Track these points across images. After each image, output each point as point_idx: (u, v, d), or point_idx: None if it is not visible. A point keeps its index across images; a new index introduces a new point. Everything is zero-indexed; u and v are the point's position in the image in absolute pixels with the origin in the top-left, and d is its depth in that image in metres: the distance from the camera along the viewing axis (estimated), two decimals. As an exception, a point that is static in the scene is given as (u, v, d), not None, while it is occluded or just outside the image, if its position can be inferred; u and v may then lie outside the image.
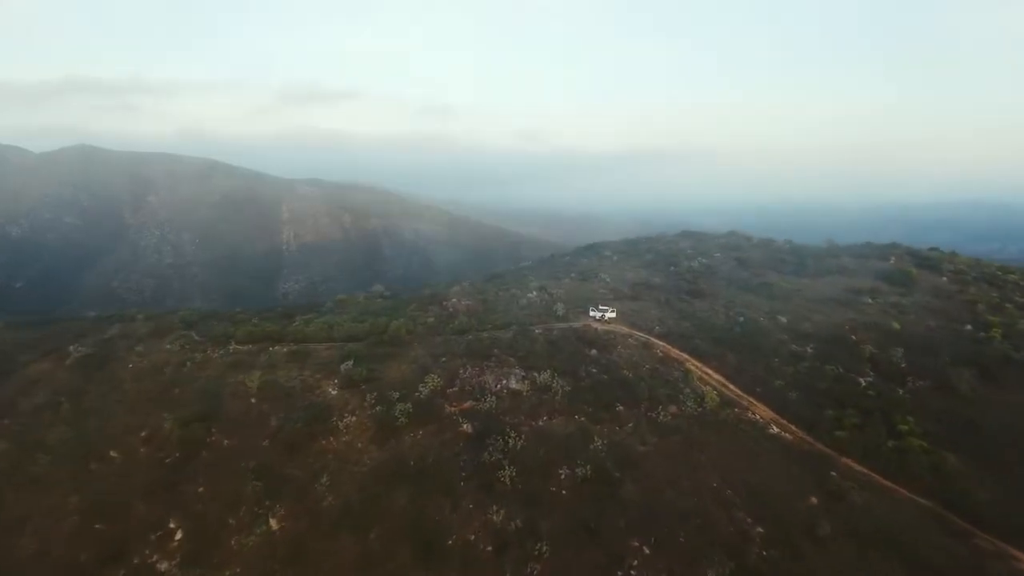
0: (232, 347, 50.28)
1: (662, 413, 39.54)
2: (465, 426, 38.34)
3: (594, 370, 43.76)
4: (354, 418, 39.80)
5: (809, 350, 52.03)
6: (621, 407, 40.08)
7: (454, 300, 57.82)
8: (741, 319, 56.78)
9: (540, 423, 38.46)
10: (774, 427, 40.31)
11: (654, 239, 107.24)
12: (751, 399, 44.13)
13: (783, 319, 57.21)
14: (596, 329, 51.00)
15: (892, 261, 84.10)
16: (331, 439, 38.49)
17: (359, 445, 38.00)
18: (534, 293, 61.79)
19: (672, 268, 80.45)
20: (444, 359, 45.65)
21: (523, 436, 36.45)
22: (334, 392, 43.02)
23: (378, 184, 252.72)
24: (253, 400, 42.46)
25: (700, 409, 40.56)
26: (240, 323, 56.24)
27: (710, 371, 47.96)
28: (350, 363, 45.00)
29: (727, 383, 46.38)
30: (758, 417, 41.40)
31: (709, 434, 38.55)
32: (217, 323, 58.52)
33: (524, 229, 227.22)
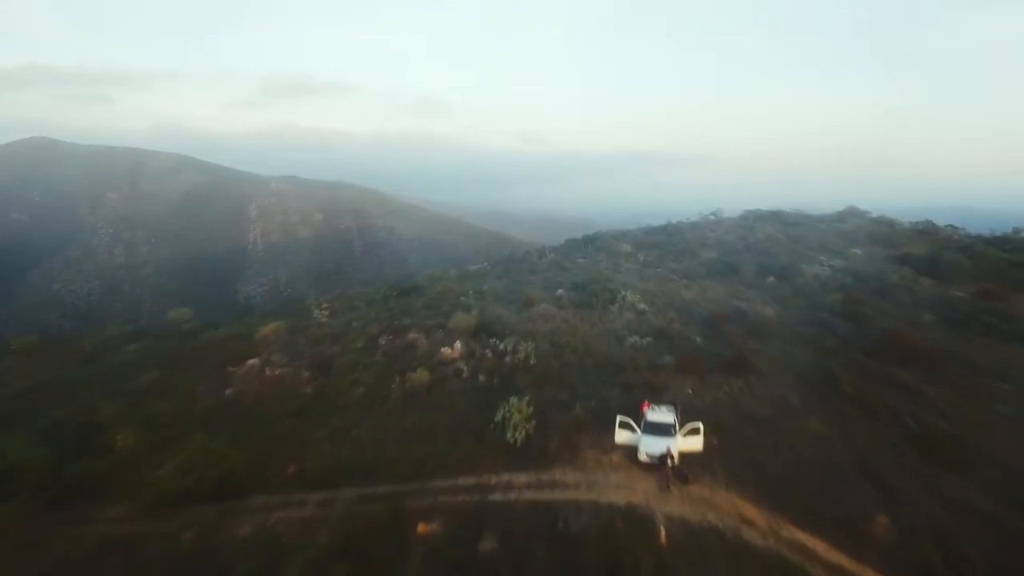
0: None
1: None
2: None
3: None
4: None
5: None
6: None
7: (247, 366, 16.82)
8: None
9: None
10: None
11: (705, 224, 62.29)
12: None
13: None
14: (659, 539, 8.97)
15: None
16: None
17: None
18: (448, 351, 19.37)
19: (773, 279, 37.96)
20: None
21: None
22: None
23: (366, 184, 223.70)
24: None
25: None
26: None
27: None
28: None
29: None
30: None
31: None
32: None
33: (516, 230, 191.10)
